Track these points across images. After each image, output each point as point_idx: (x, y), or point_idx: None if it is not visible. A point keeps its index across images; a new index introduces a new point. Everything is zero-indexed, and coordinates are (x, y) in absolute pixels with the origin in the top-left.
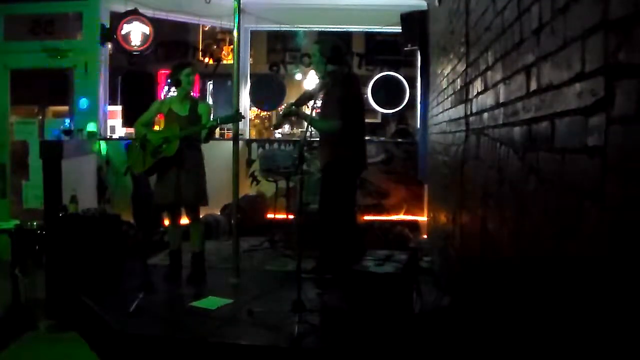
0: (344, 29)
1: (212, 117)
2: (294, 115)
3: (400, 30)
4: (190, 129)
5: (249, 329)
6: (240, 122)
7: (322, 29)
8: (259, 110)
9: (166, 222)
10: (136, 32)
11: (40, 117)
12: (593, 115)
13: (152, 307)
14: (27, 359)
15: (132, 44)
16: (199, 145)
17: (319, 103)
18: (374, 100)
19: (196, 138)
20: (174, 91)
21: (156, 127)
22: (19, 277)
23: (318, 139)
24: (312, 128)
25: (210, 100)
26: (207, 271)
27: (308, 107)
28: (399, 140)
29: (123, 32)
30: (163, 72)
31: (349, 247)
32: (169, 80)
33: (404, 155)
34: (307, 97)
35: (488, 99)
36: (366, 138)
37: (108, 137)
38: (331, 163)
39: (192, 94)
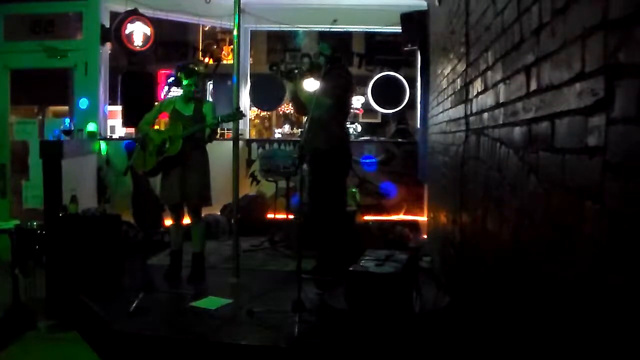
0: (344, 29)
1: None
2: (278, 73)
3: (400, 30)
4: (192, 128)
5: (249, 329)
6: (240, 122)
7: (322, 29)
8: (259, 110)
9: (167, 222)
10: (138, 32)
11: (40, 117)
12: (593, 115)
13: (152, 307)
14: (27, 359)
15: (135, 44)
16: (204, 146)
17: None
18: (374, 100)
19: (201, 138)
20: (174, 91)
21: (156, 127)
22: (19, 277)
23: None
24: (299, 96)
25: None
26: (207, 271)
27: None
28: (399, 140)
29: (126, 31)
30: (163, 72)
31: (348, 247)
32: (169, 81)
33: (404, 155)
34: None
35: (488, 99)
36: (366, 138)
37: (108, 137)
38: (320, 149)
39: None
